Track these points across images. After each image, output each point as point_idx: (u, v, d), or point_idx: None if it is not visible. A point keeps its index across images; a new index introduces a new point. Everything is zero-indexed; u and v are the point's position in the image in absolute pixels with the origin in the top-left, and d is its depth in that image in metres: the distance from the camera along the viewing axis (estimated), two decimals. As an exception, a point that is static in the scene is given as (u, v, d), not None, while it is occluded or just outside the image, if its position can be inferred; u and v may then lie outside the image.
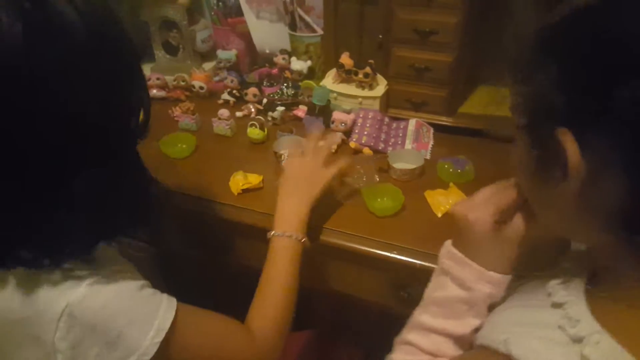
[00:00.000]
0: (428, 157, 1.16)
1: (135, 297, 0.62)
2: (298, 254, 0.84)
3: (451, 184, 1.04)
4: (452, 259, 0.64)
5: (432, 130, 1.22)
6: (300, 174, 0.93)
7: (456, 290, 0.62)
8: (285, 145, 1.16)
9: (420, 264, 0.89)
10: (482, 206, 0.63)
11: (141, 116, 0.66)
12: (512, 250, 0.60)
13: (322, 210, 1.01)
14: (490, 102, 1.25)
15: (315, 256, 1.02)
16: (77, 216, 0.58)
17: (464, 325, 0.61)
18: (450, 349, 0.62)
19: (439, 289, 0.66)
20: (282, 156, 1.12)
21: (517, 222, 0.60)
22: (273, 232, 0.84)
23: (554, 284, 0.50)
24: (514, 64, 0.48)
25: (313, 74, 1.38)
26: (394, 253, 0.91)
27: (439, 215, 0.98)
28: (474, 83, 1.32)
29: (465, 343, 0.61)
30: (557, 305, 0.46)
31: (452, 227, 0.67)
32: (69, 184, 0.57)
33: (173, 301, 0.66)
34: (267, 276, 0.81)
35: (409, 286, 0.96)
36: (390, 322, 0.76)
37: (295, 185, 0.92)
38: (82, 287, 0.59)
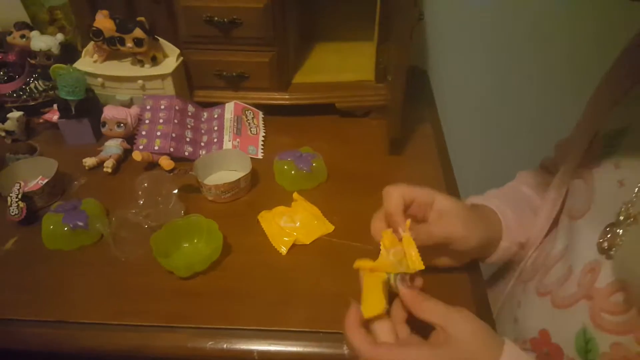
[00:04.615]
0: (260, 156, 0.78)
1: None
2: None
3: (295, 195, 0.67)
4: None
5: (260, 115, 0.83)
6: None
7: None
8: (19, 177, 0.69)
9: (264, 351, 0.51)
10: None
11: None
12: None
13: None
14: (334, 64, 0.90)
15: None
16: None
17: None
18: None
19: None
20: (10, 200, 0.64)
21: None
22: None
23: None
24: None
25: (74, 53, 0.90)
26: (211, 343, 0.51)
27: (284, 252, 0.61)
28: (308, 41, 0.96)
29: None
30: None
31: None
32: None
33: None
34: None
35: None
36: None
37: None
38: None
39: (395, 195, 0.49)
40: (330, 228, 0.64)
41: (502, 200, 0.58)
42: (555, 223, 0.53)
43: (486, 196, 0.60)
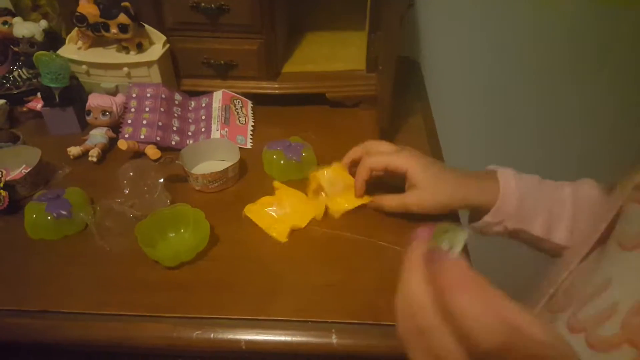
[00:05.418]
0: (249, 145, 0.77)
1: None
2: None
3: (275, 184, 0.66)
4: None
5: (249, 104, 0.82)
6: None
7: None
8: (1, 165, 0.67)
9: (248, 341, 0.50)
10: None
11: None
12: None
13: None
14: (325, 53, 0.89)
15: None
16: None
17: None
18: None
19: None
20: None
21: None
22: None
23: None
24: None
25: (58, 40, 0.88)
26: (202, 332, 0.50)
27: (284, 239, 0.60)
28: (299, 31, 0.95)
29: None
30: None
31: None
32: None
33: None
34: None
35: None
36: None
37: None
38: None
39: (366, 162, 0.60)
40: (322, 209, 0.63)
41: (520, 181, 0.54)
42: (594, 247, 0.46)
43: (516, 172, 0.57)
